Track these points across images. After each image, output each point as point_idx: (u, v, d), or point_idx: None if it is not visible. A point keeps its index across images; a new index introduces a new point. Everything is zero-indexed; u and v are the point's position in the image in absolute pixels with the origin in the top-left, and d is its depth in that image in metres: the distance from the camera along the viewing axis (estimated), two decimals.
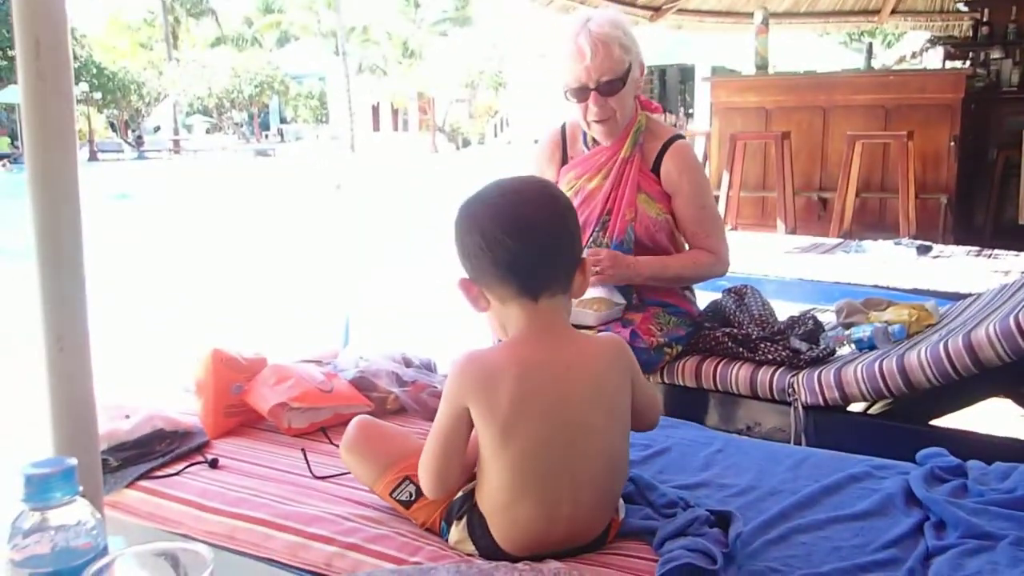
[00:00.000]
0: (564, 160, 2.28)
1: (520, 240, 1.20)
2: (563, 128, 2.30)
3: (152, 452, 1.66)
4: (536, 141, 2.40)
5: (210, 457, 1.66)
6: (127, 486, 1.56)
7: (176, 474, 1.60)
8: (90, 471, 0.97)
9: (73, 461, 0.70)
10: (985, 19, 6.68)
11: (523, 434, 1.20)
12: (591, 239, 2.17)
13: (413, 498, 1.37)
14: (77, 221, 0.96)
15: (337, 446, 1.70)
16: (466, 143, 34.87)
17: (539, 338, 1.24)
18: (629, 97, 2.13)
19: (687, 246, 2.21)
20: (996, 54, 6.42)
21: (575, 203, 2.19)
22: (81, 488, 0.71)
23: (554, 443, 1.21)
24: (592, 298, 2.09)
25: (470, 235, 1.22)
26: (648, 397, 1.37)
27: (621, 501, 1.38)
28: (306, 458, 1.65)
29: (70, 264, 0.96)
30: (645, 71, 2.19)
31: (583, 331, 1.37)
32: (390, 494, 1.39)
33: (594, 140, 2.23)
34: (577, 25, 2.07)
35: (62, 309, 0.96)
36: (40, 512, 0.69)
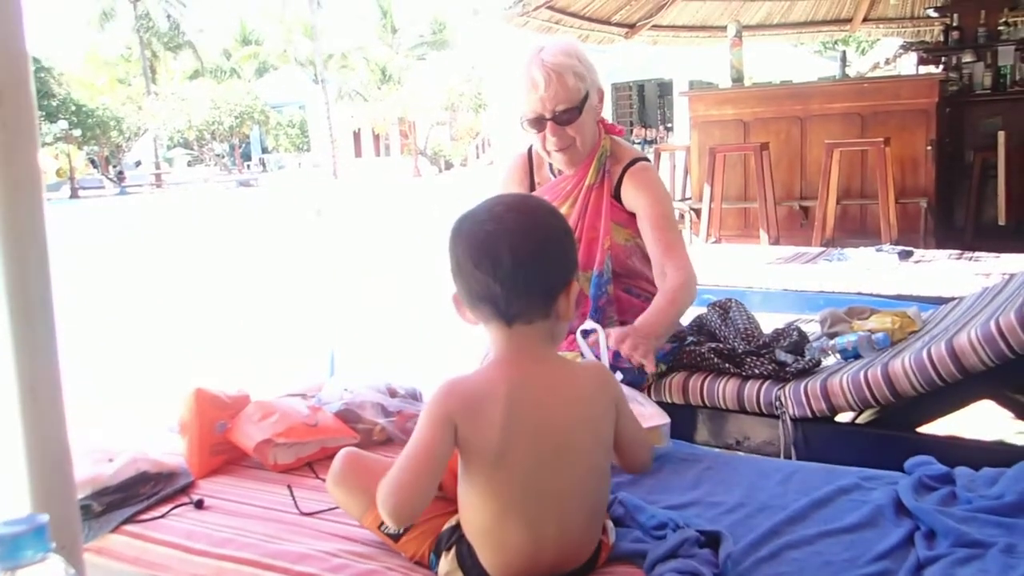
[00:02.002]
0: (532, 187, 2.27)
1: (489, 273, 1.19)
2: (529, 152, 2.28)
3: (136, 495, 1.64)
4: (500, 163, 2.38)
5: (195, 498, 1.64)
6: (112, 531, 1.55)
7: (161, 516, 1.58)
8: (67, 523, 0.96)
9: (44, 518, 0.69)
10: (955, 24, 6.75)
11: (515, 457, 1.19)
12: None
13: (401, 531, 1.36)
14: (46, 268, 0.94)
15: (324, 480, 1.69)
16: (448, 166, 34.93)
17: (519, 361, 1.23)
18: (588, 124, 2.11)
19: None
20: (968, 58, 6.49)
21: None
22: (54, 544, 0.70)
23: (541, 465, 1.20)
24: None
25: (450, 257, 1.24)
26: (634, 431, 1.36)
27: (611, 524, 1.37)
28: (292, 495, 1.63)
29: (40, 312, 0.94)
30: (604, 97, 2.17)
31: (567, 359, 1.36)
32: (379, 527, 1.38)
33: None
34: (530, 56, 2.05)
35: (33, 358, 0.95)
36: (11, 572, 0.68)
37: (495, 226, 1.21)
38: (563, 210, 2.16)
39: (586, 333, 1.83)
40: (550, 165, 2.24)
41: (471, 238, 1.21)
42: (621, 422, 1.31)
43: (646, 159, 2.23)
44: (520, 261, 1.18)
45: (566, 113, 2.05)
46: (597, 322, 2.10)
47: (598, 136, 2.17)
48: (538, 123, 2.08)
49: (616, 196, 2.16)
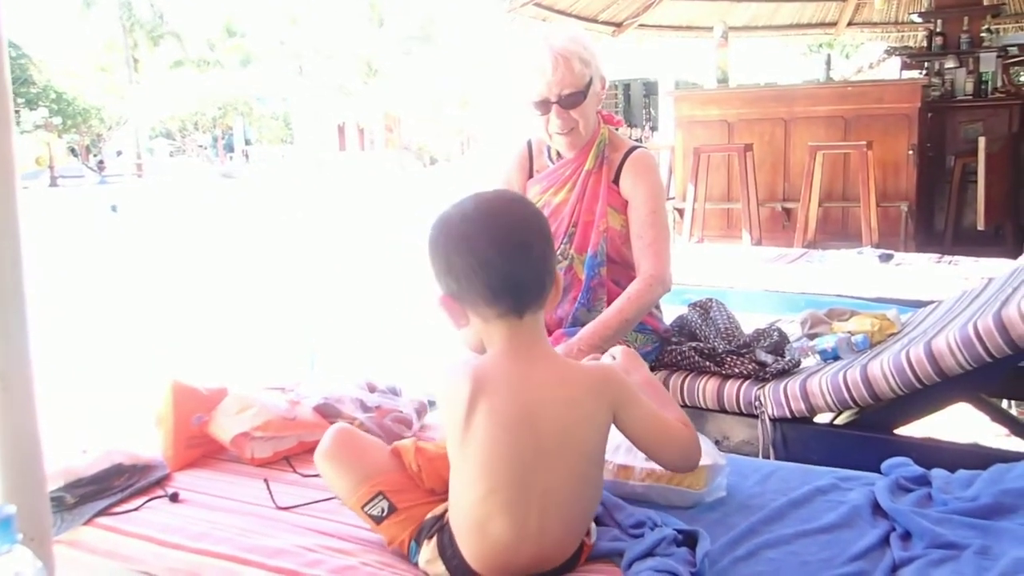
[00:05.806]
0: (531, 174, 2.30)
1: (516, 261, 1.19)
2: (528, 143, 2.33)
3: (110, 487, 1.62)
4: (501, 156, 2.40)
5: (170, 491, 1.62)
6: (85, 523, 1.52)
7: (136, 509, 1.57)
8: (37, 514, 0.94)
9: (11, 509, 0.67)
10: (939, 30, 6.78)
11: (480, 437, 1.19)
12: (559, 252, 2.18)
13: (384, 514, 1.35)
14: (18, 256, 0.93)
15: (301, 475, 1.68)
16: (433, 161, 34.85)
17: (514, 355, 1.22)
18: (591, 109, 2.16)
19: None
20: (950, 64, 6.52)
21: None
22: (21, 536, 0.69)
23: (515, 452, 1.20)
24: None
25: (460, 256, 1.20)
26: (651, 431, 1.29)
27: (593, 524, 1.36)
28: (269, 488, 1.61)
29: (12, 300, 0.93)
30: (606, 85, 2.20)
31: (568, 359, 1.34)
32: (362, 507, 1.37)
33: (558, 154, 2.24)
34: (537, 41, 2.10)
35: (5, 346, 0.94)
36: None
37: (507, 217, 1.24)
38: (561, 195, 2.21)
39: None
40: (548, 153, 2.27)
41: (489, 230, 1.21)
42: (628, 424, 1.26)
43: (645, 147, 2.27)
44: (541, 244, 1.23)
45: (571, 97, 2.09)
46: (587, 304, 2.15)
47: (598, 124, 2.21)
48: (543, 106, 2.12)
49: (616, 182, 2.20)
